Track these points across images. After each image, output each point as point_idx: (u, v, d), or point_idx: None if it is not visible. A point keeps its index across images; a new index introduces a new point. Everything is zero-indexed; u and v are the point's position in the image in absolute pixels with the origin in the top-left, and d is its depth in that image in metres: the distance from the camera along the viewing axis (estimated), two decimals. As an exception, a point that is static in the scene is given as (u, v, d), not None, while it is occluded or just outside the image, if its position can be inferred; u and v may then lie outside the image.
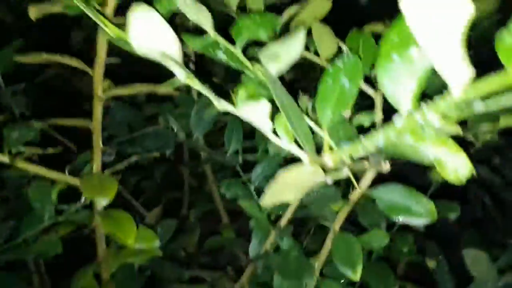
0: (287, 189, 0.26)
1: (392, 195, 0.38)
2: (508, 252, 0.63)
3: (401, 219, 0.38)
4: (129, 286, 0.53)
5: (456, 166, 0.22)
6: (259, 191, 0.53)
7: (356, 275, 0.38)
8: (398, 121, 0.22)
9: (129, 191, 0.85)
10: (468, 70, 0.17)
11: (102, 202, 0.39)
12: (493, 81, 0.17)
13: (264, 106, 0.23)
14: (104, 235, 0.50)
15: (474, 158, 0.51)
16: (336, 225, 0.43)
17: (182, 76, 0.24)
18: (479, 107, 0.18)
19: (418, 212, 0.37)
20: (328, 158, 0.26)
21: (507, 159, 0.59)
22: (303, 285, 0.43)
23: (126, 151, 0.64)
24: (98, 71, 0.36)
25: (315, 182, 0.28)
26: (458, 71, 0.17)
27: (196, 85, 0.24)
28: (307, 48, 0.43)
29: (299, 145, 0.27)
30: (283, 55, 0.28)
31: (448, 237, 0.72)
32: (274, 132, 0.27)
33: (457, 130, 0.29)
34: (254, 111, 0.23)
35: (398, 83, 0.22)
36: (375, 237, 0.45)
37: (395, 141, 0.22)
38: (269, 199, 0.25)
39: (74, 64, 0.36)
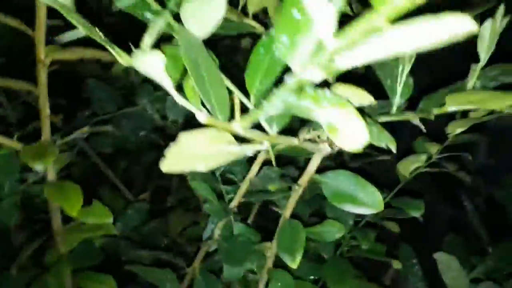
0: (193, 156, 0.25)
1: (338, 182, 0.36)
2: (486, 260, 0.60)
3: (345, 207, 0.36)
4: (84, 262, 0.53)
5: (351, 133, 0.20)
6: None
7: (294, 263, 0.36)
8: (290, 80, 0.20)
9: (118, 176, 0.85)
10: (332, 18, 0.15)
11: (37, 168, 0.38)
12: (361, 25, 0.15)
13: (158, 59, 0.22)
14: (59, 208, 0.49)
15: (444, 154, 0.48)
16: (286, 211, 0.41)
17: (80, 26, 0.23)
18: (355, 58, 0.16)
19: (363, 201, 0.35)
20: (237, 125, 0.24)
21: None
22: (250, 272, 0.42)
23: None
24: (39, 33, 0.35)
25: (229, 152, 0.26)
26: (324, 20, 0.16)
27: (96, 36, 0.23)
28: (266, 25, 0.41)
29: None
30: (206, 15, 0.26)
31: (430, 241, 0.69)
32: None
33: (362, 98, 0.27)
34: (149, 64, 0.22)
35: (296, 40, 0.20)
36: (329, 229, 0.43)
37: (293, 102, 0.21)
38: (170, 164, 0.24)
39: (14, 24, 0.36)
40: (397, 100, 0.32)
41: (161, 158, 0.24)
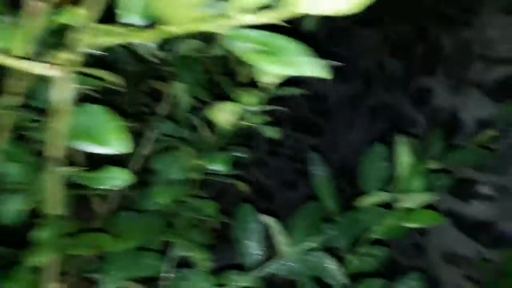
0: None
1: (85, 117, 0.31)
2: (328, 229, 0.57)
3: (83, 146, 0.30)
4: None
5: None
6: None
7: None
8: None
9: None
10: None
11: None
12: None
13: None
14: None
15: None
16: (45, 149, 0.35)
17: None
18: None
19: (105, 141, 0.30)
20: None
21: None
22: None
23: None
24: None
25: None
26: None
27: None
28: None
29: None
30: None
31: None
32: None
33: None
34: None
35: None
36: (112, 176, 0.38)
37: None
38: None
39: None
40: (132, 19, 0.27)
41: None
